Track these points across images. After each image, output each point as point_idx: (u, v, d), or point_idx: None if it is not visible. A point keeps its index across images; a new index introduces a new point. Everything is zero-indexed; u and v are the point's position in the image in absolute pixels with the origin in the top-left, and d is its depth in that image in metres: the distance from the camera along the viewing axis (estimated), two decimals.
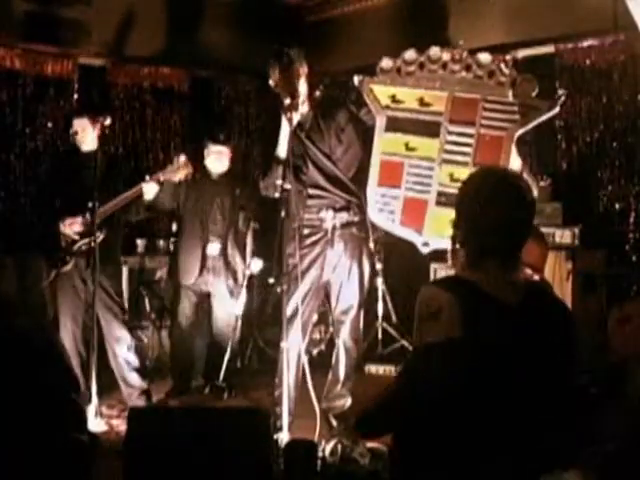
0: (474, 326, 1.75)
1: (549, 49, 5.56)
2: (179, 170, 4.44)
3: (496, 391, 1.77)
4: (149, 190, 4.38)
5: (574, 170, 5.56)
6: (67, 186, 4.42)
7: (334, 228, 3.87)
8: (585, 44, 5.44)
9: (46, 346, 1.35)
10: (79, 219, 4.33)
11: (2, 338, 1.28)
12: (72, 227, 4.34)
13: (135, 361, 4.50)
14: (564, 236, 5.04)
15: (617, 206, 5.37)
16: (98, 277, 4.17)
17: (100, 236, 4.26)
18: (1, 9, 5.34)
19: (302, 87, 3.83)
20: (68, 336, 4.35)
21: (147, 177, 4.40)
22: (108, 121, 4.32)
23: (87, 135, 4.43)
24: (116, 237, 4.54)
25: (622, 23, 4.47)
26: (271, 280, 5.53)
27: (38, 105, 5.93)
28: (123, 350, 4.44)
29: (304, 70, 3.84)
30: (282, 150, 3.77)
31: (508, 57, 5.58)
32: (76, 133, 4.45)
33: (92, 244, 4.14)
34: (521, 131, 3.49)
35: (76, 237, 4.35)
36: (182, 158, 4.49)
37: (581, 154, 5.55)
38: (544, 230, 5.01)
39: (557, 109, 3.48)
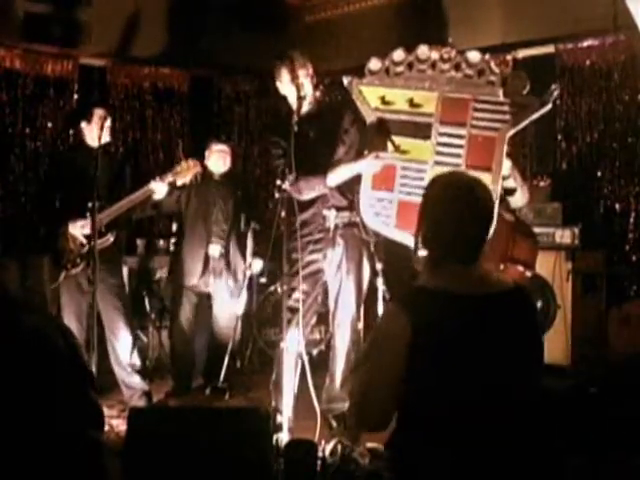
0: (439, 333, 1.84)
1: (549, 49, 5.56)
2: (188, 170, 4.38)
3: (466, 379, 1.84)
4: (159, 190, 4.33)
5: (574, 170, 5.56)
6: (73, 184, 4.29)
7: (336, 227, 3.86)
8: (585, 44, 5.43)
9: (60, 341, 1.33)
10: (88, 221, 4.17)
11: (15, 335, 1.27)
12: (83, 229, 4.24)
13: (136, 363, 4.49)
14: (564, 236, 5.04)
15: (617, 206, 5.37)
16: (104, 276, 4.18)
17: (110, 238, 4.27)
18: (1, 9, 5.34)
19: (308, 87, 3.85)
20: None
21: (156, 178, 4.33)
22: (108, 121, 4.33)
23: (103, 128, 4.25)
24: (121, 236, 4.49)
25: (622, 23, 4.47)
26: (263, 280, 5.53)
27: (38, 105, 5.94)
28: (125, 351, 4.43)
29: (309, 70, 3.86)
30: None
31: (508, 57, 5.65)
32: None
33: (100, 244, 4.11)
34: (513, 131, 3.39)
35: (85, 240, 4.24)
36: (191, 159, 4.43)
37: (581, 154, 5.54)
38: (544, 230, 5.02)
39: (549, 105, 3.35)
